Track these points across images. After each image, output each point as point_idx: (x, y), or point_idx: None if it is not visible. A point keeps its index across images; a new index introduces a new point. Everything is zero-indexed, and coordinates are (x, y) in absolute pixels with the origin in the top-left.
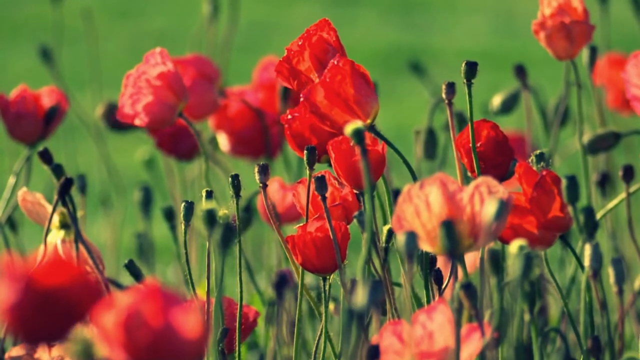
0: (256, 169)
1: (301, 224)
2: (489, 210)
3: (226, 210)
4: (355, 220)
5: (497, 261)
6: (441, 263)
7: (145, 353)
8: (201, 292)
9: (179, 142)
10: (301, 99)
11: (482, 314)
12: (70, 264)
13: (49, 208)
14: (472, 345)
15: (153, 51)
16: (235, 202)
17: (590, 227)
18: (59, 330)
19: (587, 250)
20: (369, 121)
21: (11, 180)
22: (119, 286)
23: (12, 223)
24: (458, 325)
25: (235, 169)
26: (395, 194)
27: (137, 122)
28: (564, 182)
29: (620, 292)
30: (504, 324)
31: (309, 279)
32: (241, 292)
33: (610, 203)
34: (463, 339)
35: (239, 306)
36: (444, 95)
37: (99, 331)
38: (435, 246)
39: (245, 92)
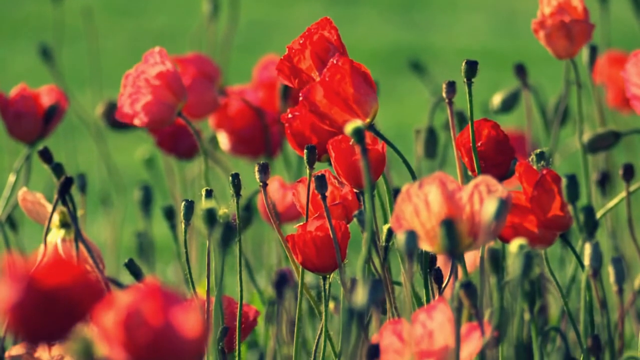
0: (256, 168)
1: (301, 223)
2: (488, 209)
3: (226, 209)
4: (355, 220)
5: (497, 260)
6: (441, 262)
7: (145, 352)
8: (201, 291)
9: (179, 141)
10: (300, 98)
11: (482, 313)
12: (71, 264)
13: (49, 207)
14: (472, 344)
15: (152, 50)
16: (235, 201)
17: (590, 226)
18: (60, 329)
19: (587, 249)
20: (368, 120)
21: (11, 178)
22: (119, 285)
23: (12, 222)
24: (458, 324)
25: (235, 168)
26: (395, 193)
27: (136, 122)
28: (564, 181)
29: (620, 291)
30: (504, 323)
31: (309, 278)
32: (241, 291)
33: (610, 202)
34: (463, 338)
35: (239, 305)
36: (444, 94)
37: (99, 330)
38: (435, 245)
39: (245, 91)
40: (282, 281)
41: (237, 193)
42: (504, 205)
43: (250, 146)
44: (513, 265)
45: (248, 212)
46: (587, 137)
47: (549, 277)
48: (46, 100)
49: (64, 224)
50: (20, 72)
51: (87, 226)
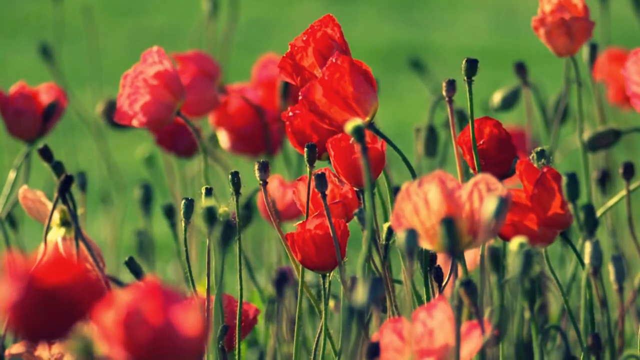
0: (256, 167)
1: (301, 222)
2: (488, 207)
3: (226, 207)
4: (354, 218)
5: (497, 258)
6: (441, 260)
7: (145, 351)
8: (201, 290)
9: (178, 139)
10: (300, 98)
11: (482, 312)
12: (71, 262)
13: (50, 205)
14: (472, 343)
15: (150, 50)
16: (235, 199)
17: (591, 224)
18: (60, 328)
19: (588, 247)
20: (368, 119)
21: (11, 176)
22: (119, 284)
23: (12, 220)
24: (458, 322)
25: (235, 166)
26: (396, 191)
27: (134, 122)
28: (564, 180)
29: (621, 289)
30: (504, 322)
31: (309, 276)
32: (241, 289)
33: (610, 200)
34: (463, 336)
35: (239, 304)
36: (444, 93)
37: (99, 329)
38: (435, 243)
39: (245, 89)
40: (282, 279)
41: (237, 191)
42: (504, 204)
43: (250, 144)
44: (513, 264)
45: (248, 210)
46: (587, 135)
47: (549, 276)
48: (45, 98)
49: (64, 223)
50: (20, 70)
51: (87, 224)
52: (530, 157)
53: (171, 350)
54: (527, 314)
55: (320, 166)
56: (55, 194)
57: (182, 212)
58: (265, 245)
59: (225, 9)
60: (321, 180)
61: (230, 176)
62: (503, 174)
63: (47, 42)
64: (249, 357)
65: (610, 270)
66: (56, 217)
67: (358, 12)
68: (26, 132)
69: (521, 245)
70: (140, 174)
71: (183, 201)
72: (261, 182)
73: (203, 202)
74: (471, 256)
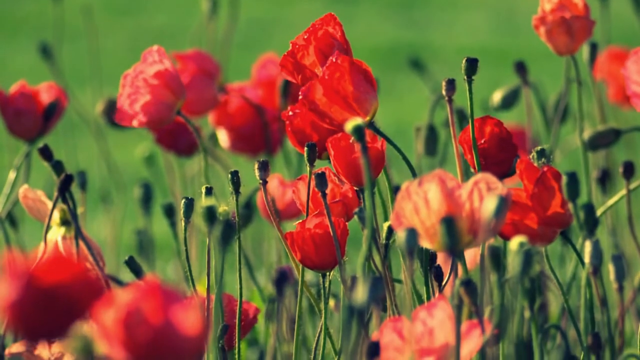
0: (256, 166)
1: (301, 221)
2: (488, 206)
3: (226, 206)
4: (354, 217)
5: (497, 258)
6: (441, 260)
7: (145, 350)
8: (201, 289)
9: (178, 138)
10: (300, 97)
11: (482, 311)
12: (70, 261)
13: (50, 205)
14: (473, 342)
15: (150, 49)
16: (235, 198)
17: (591, 223)
18: (60, 327)
19: (588, 247)
20: (368, 118)
21: (11, 176)
22: (119, 283)
23: (12, 219)
24: (458, 321)
25: (235, 165)
26: (396, 190)
27: (134, 122)
28: (564, 179)
29: (621, 288)
30: (504, 321)
31: (309, 275)
32: (241, 288)
33: (610, 200)
34: (463, 335)
35: (238, 303)
36: (444, 92)
37: (98, 328)
38: (435, 243)
39: (245, 88)
40: (282, 279)
41: (237, 190)
42: (504, 203)
43: (250, 143)
44: (513, 263)
45: (248, 209)
46: (587, 134)
47: (549, 275)
48: (46, 97)
49: (64, 222)
50: (20, 70)
51: (87, 224)
52: (531, 157)
53: (171, 350)
54: (527, 313)
55: (320, 165)
56: (55, 193)
57: (182, 212)
58: (265, 245)
59: (225, 9)
60: (321, 179)
61: (230, 175)
62: (504, 173)
63: (47, 42)
64: (249, 357)
65: (610, 270)
66: (56, 216)
67: (358, 11)
68: (26, 131)
69: (521, 244)
70: (140, 173)
71: (183, 200)
72: (261, 181)
73: (203, 202)
74: (471, 255)
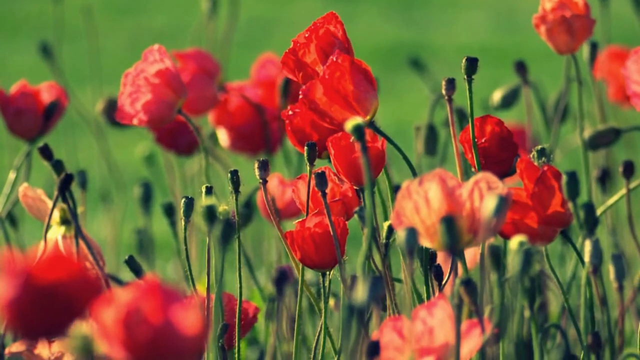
0: (256, 165)
1: (300, 220)
2: (488, 206)
3: (226, 206)
4: (354, 216)
5: (497, 257)
6: (441, 259)
7: (145, 349)
8: (201, 288)
9: (178, 137)
10: (300, 96)
11: (482, 310)
12: (68, 259)
13: (50, 204)
14: (473, 341)
15: (151, 48)
16: (234, 198)
17: (591, 223)
18: (58, 325)
19: (588, 246)
20: (368, 117)
21: (11, 175)
22: (119, 282)
23: (12, 219)
24: (458, 321)
25: (234, 164)
26: (396, 190)
27: (135, 121)
28: (564, 178)
29: (621, 288)
30: (504, 320)
31: (309, 275)
32: (241, 288)
33: (610, 199)
34: (463, 334)
35: (238, 302)
36: (444, 92)
37: (98, 327)
38: (435, 242)
39: (245, 87)
40: (282, 278)
41: (236, 190)
42: (504, 202)
43: (250, 142)
44: (513, 262)
45: (248, 209)
46: (587, 133)
47: (549, 274)
48: (46, 97)
49: (64, 221)
50: (20, 70)
51: (87, 223)
52: (531, 156)
53: (171, 349)
54: (527, 313)
55: (319, 165)
56: (56, 192)
57: (182, 211)
58: (265, 244)
59: (225, 8)
60: (321, 178)
61: (229, 174)
62: (504, 173)
63: (47, 42)
64: (248, 356)
65: (610, 269)
66: (56, 215)
67: (358, 11)
68: (27, 131)
69: (521, 243)
70: (140, 173)
71: (183, 200)
72: (261, 180)
73: (203, 201)
74: (471, 254)
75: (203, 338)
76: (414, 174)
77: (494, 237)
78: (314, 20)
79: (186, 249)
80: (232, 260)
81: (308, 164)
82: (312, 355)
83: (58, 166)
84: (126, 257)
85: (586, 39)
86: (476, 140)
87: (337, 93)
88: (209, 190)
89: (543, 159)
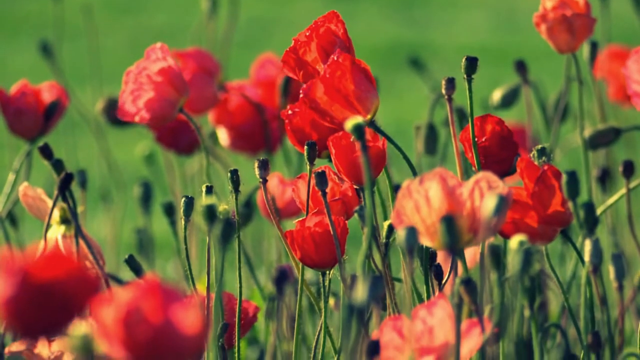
0: (256, 164)
1: (300, 219)
2: (488, 205)
3: (226, 205)
4: (354, 216)
5: (497, 256)
6: (441, 258)
7: (145, 349)
8: (201, 288)
9: (178, 137)
10: (301, 95)
11: (482, 310)
12: (66, 258)
13: (50, 203)
14: (473, 341)
15: (154, 46)
16: (234, 197)
17: (591, 222)
18: (56, 323)
19: (588, 245)
20: (369, 117)
21: (11, 175)
22: (119, 281)
23: (12, 218)
24: (458, 320)
25: (234, 163)
26: (396, 189)
27: (137, 119)
28: (564, 178)
29: (621, 287)
30: (504, 320)
31: (309, 274)
32: (241, 287)
33: (610, 198)
34: (463, 334)
35: (238, 301)
36: (443, 91)
37: (98, 327)
38: (435, 241)
39: (245, 86)
40: (282, 277)
41: (236, 189)
42: (504, 201)
43: (250, 142)
44: (513, 261)
45: (248, 208)
46: (587, 133)
47: (549, 273)
48: (47, 96)
49: (64, 220)
50: (21, 69)
51: (87, 222)
52: (531, 155)
53: (171, 348)
54: (527, 312)
55: (319, 164)
56: (56, 192)
57: (182, 210)
58: (265, 243)
59: (225, 8)
60: (321, 178)
61: (229, 174)
62: (504, 172)
63: (47, 41)
64: (248, 355)
65: (610, 268)
66: (56, 214)
67: (358, 10)
68: (27, 130)
69: (521, 243)
70: (140, 172)
71: (183, 199)
72: (261, 179)
73: (203, 200)
74: (471, 254)
75: (203, 337)
76: (414, 174)
77: (494, 237)
78: (315, 19)
79: (186, 249)
80: (232, 259)
81: (308, 163)
82: (312, 355)
83: (58, 165)
84: (126, 257)
85: (586, 38)
86: (476, 139)
87: (337, 92)
88: (209, 190)
89: (543, 158)
